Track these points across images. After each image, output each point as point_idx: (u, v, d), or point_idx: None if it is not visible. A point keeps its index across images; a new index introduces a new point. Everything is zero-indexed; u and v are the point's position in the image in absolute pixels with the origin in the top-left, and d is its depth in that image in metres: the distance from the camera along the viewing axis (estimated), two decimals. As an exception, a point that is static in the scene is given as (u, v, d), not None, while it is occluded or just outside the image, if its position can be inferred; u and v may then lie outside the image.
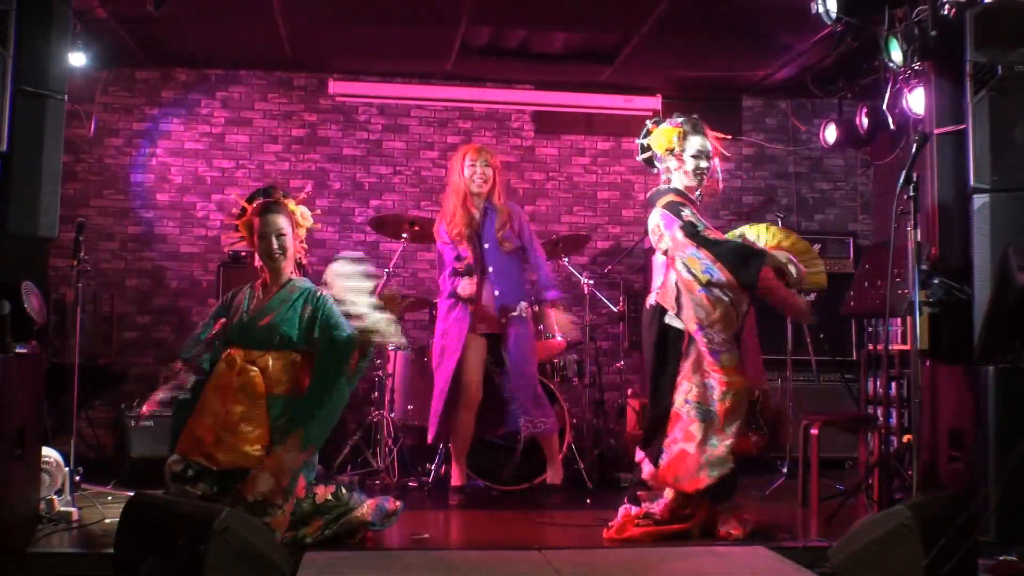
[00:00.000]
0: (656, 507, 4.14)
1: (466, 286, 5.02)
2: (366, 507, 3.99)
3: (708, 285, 3.99)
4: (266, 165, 7.04)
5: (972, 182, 4.21)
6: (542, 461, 5.23)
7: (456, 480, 5.14)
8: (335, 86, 6.99)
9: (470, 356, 5.06)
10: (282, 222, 4.05)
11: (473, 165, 5.10)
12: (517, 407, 5.08)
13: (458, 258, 5.07)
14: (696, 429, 4.01)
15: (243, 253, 4.19)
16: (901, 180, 3.96)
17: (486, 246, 5.08)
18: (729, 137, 4.49)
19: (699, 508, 4.12)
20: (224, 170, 7.02)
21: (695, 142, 4.22)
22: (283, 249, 4.04)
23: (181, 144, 6.98)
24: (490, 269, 5.07)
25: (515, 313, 5.06)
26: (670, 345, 4.12)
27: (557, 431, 5.23)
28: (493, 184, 5.12)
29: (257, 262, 4.15)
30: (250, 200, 4.16)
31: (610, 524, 4.17)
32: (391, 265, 5.72)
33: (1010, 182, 4.15)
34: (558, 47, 6.66)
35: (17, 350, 3.83)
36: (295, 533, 3.84)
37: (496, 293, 5.07)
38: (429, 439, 5.12)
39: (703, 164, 4.23)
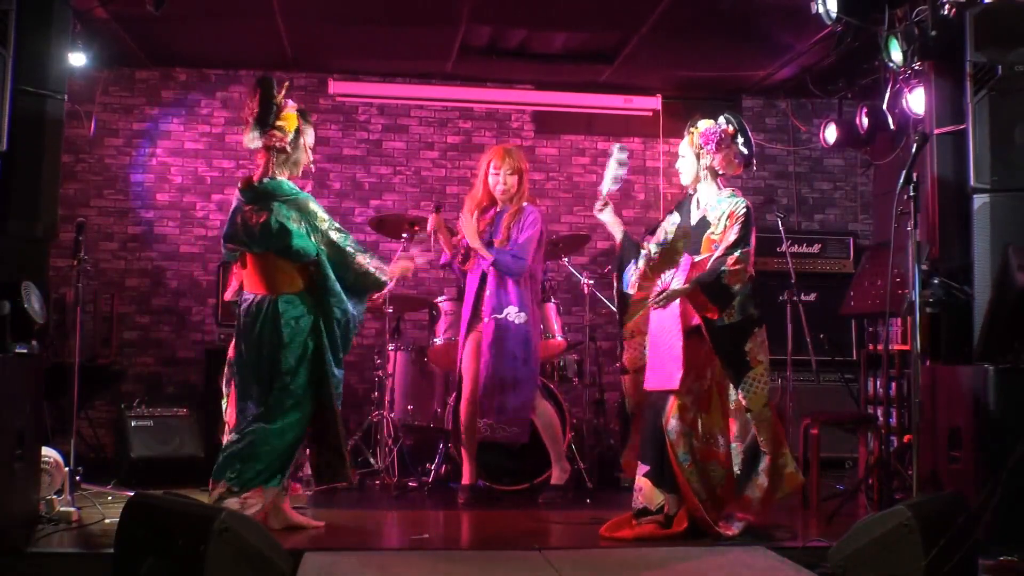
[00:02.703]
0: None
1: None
2: None
3: None
4: (266, 165, 7.02)
5: (972, 182, 4.20)
6: (541, 461, 5.22)
7: (465, 479, 5.12)
8: (335, 86, 6.99)
9: (466, 351, 5.09)
10: None
11: (497, 173, 5.08)
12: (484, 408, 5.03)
13: (465, 254, 5.19)
14: None
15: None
16: (901, 180, 3.96)
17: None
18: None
19: (683, 512, 4.10)
20: (224, 170, 7.01)
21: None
22: None
23: (181, 144, 6.98)
24: (492, 269, 5.08)
25: (499, 316, 5.01)
26: None
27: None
28: (517, 189, 5.11)
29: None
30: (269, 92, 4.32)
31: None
32: (391, 265, 5.71)
33: (1010, 182, 4.15)
34: (558, 47, 6.66)
35: (17, 350, 3.83)
36: None
37: (487, 293, 5.07)
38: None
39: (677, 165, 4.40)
